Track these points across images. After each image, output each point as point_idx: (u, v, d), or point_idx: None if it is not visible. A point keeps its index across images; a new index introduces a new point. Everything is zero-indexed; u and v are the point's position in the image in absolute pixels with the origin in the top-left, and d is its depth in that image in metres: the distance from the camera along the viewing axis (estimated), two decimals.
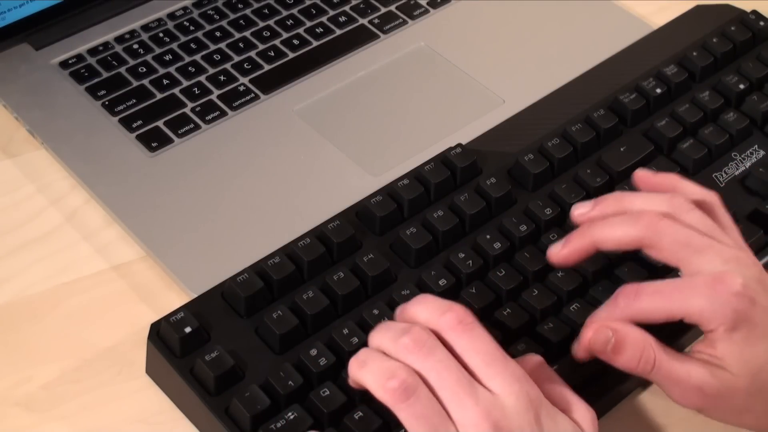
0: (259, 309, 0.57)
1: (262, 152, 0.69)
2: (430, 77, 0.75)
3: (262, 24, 0.78)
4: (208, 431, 0.54)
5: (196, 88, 0.72)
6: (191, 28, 0.77)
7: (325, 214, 0.62)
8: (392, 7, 0.80)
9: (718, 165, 0.67)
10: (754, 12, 0.76)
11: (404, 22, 0.79)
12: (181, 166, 0.67)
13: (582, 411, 0.49)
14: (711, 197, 0.56)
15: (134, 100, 0.71)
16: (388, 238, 0.61)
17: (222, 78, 0.73)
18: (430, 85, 0.74)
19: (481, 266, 0.59)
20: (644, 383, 0.57)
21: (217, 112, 0.71)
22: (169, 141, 0.69)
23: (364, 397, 0.52)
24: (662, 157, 0.66)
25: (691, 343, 0.57)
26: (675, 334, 0.54)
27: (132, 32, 0.76)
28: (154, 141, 0.69)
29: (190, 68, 0.74)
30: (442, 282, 0.57)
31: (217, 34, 0.77)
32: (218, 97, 0.72)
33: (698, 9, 0.78)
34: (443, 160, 0.64)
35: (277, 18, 0.78)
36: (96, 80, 0.73)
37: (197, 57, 0.75)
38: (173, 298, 0.61)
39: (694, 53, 0.72)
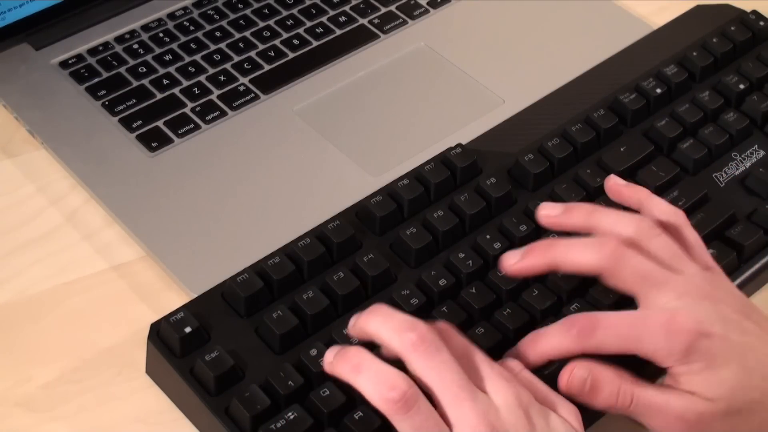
0: (259, 309, 0.57)
1: (262, 152, 0.69)
2: (430, 77, 0.75)
3: (262, 24, 0.78)
4: (208, 431, 0.54)
5: (196, 88, 0.72)
6: (191, 28, 0.77)
7: (325, 214, 0.62)
8: (392, 7, 0.80)
9: (718, 165, 0.67)
10: (754, 12, 0.76)
11: (404, 22, 0.79)
12: (181, 166, 0.67)
13: (567, 408, 0.50)
14: (678, 216, 0.56)
15: (134, 100, 0.71)
16: (388, 238, 0.61)
17: (222, 78, 0.73)
18: (430, 85, 0.74)
19: (481, 266, 0.59)
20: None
21: (217, 112, 0.71)
22: (169, 141, 0.69)
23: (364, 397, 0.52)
24: (662, 157, 0.66)
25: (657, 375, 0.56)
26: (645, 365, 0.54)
27: (132, 32, 0.76)
28: (154, 141, 0.69)
29: (190, 68, 0.74)
30: (442, 282, 0.57)
31: (217, 34, 0.77)
32: (218, 97, 0.72)
33: (698, 9, 0.78)
34: (443, 160, 0.64)
35: (277, 18, 0.78)
36: (96, 80, 0.73)
37: (197, 57, 0.75)
38: (173, 298, 0.61)
39: (694, 53, 0.72)
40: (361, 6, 0.80)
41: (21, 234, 0.64)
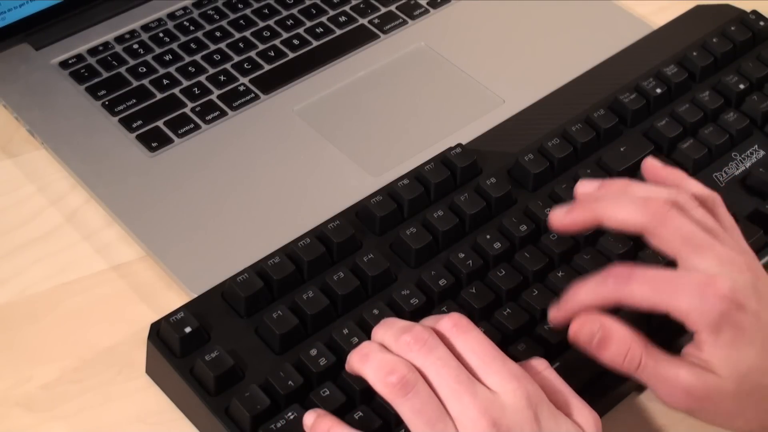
0: (259, 309, 0.57)
1: (262, 152, 0.69)
2: (430, 77, 0.75)
3: (262, 24, 0.78)
4: (208, 431, 0.54)
5: (196, 88, 0.72)
6: (191, 28, 0.77)
7: (325, 214, 0.62)
8: (392, 7, 0.80)
9: (718, 165, 0.67)
10: (754, 12, 0.76)
11: (404, 22, 0.79)
12: (181, 166, 0.67)
13: (585, 414, 0.49)
14: (714, 197, 0.55)
15: (134, 100, 0.71)
16: (388, 238, 0.61)
17: (222, 78, 0.73)
18: (430, 85, 0.74)
19: (481, 266, 0.59)
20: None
21: (217, 112, 0.71)
22: (169, 141, 0.69)
23: (364, 397, 0.52)
24: (662, 157, 0.66)
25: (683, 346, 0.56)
26: (669, 338, 0.54)
27: (132, 32, 0.76)
28: (154, 141, 0.69)
29: (190, 68, 0.74)
30: (442, 282, 0.57)
31: (217, 34, 0.77)
32: (218, 97, 0.72)
33: (698, 9, 0.78)
34: (443, 160, 0.64)
35: (277, 18, 0.78)
36: (96, 80, 0.73)
37: (197, 57, 0.75)
38: (173, 298, 0.61)
39: (694, 53, 0.72)
40: (361, 6, 0.80)
41: (21, 234, 0.64)
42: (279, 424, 0.51)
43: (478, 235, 0.60)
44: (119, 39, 0.76)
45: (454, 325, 0.49)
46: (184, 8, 0.78)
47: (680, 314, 0.50)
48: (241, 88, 0.73)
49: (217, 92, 0.72)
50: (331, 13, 0.79)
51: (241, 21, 0.78)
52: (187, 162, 0.68)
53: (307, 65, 0.75)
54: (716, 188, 0.64)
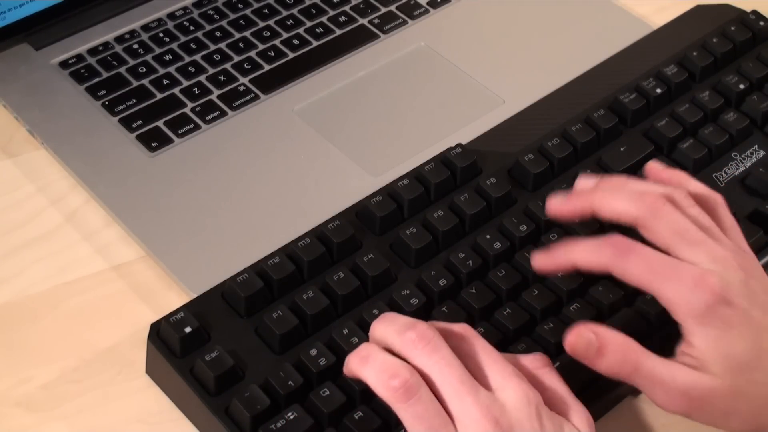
0: (259, 309, 0.57)
1: (262, 152, 0.69)
2: (430, 77, 0.75)
3: (262, 24, 0.78)
4: (208, 431, 0.54)
5: (196, 88, 0.72)
6: (191, 28, 0.77)
7: (325, 214, 0.62)
8: (392, 7, 0.80)
9: (718, 165, 0.67)
10: (754, 12, 0.76)
11: (404, 22, 0.79)
12: (181, 166, 0.67)
13: (579, 414, 0.49)
14: (716, 197, 0.56)
15: (134, 100, 0.71)
16: (388, 238, 0.61)
17: (222, 78, 0.73)
18: (430, 85, 0.74)
19: (481, 266, 0.59)
20: None
21: (217, 112, 0.71)
22: (169, 141, 0.69)
23: (364, 396, 0.52)
24: (662, 157, 0.66)
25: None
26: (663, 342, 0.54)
27: (132, 32, 0.76)
28: (154, 141, 0.69)
29: (190, 68, 0.74)
30: (442, 282, 0.57)
31: (217, 34, 0.77)
32: (218, 97, 0.72)
33: (698, 9, 0.78)
34: (443, 160, 0.64)
35: (277, 18, 0.78)
36: (96, 80, 0.73)
37: (197, 57, 0.75)
38: (173, 298, 0.61)
39: (694, 53, 0.72)
40: (361, 6, 0.80)
41: (21, 234, 0.64)
42: (279, 424, 0.51)
43: (478, 235, 0.60)
44: (119, 39, 0.76)
45: (463, 331, 0.49)
46: (184, 8, 0.78)
47: (667, 301, 0.51)
48: (241, 88, 0.73)
49: (217, 92, 0.72)
50: (331, 13, 0.79)
51: (241, 21, 0.78)
52: (187, 162, 0.68)
53: (307, 65, 0.75)
54: (716, 188, 0.64)
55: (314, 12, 0.79)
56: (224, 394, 0.53)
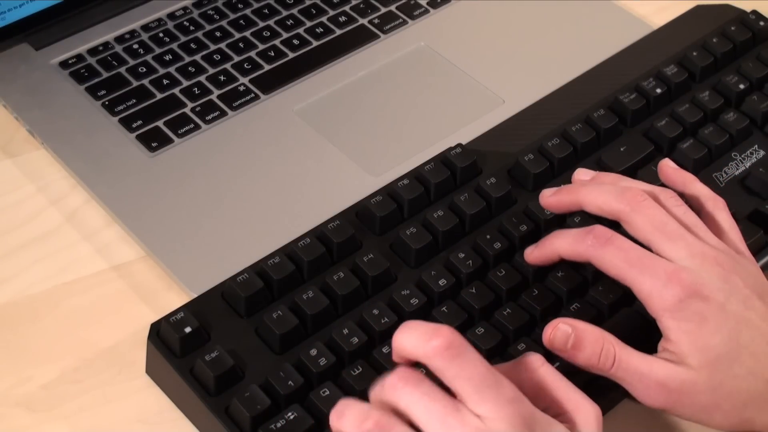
0: (259, 309, 0.57)
1: (262, 152, 0.69)
2: (430, 77, 0.75)
3: (262, 24, 0.78)
4: (208, 431, 0.54)
5: (196, 88, 0.72)
6: (191, 28, 0.77)
7: (325, 214, 0.62)
8: (392, 7, 0.80)
9: (718, 165, 0.67)
10: (754, 12, 0.76)
11: (404, 22, 0.79)
12: (181, 166, 0.67)
13: (585, 408, 0.49)
14: (716, 199, 0.57)
15: (134, 100, 0.71)
16: (388, 238, 0.61)
17: (222, 78, 0.73)
18: (430, 85, 0.74)
19: (481, 266, 0.59)
20: None
21: (217, 112, 0.71)
22: (169, 141, 0.69)
23: (364, 397, 0.52)
24: (662, 157, 0.66)
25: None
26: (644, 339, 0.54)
27: (132, 32, 0.76)
28: (154, 141, 0.69)
29: (190, 68, 0.74)
30: (442, 282, 0.57)
31: (217, 34, 0.77)
32: (218, 97, 0.72)
33: (698, 9, 0.78)
34: (443, 160, 0.64)
35: (277, 18, 0.78)
36: (96, 80, 0.73)
37: (197, 57, 0.75)
38: (173, 298, 0.61)
39: (694, 53, 0.72)
40: (361, 6, 0.80)
41: (21, 234, 0.64)
42: (279, 424, 0.51)
43: (478, 235, 0.60)
44: (119, 39, 0.76)
45: (446, 347, 0.46)
46: (184, 8, 0.78)
47: (642, 294, 0.52)
48: (241, 88, 0.73)
49: (217, 92, 0.72)
50: (331, 13, 0.79)
51: (241, 21, 0.78)
52: (187, 162, 0.68)
53: (307, 65, 0.75)
54: (716, 188, 0.64)
55: (314, 12, 0.79)
56: (224, 394, 0.53)
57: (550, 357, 0.52)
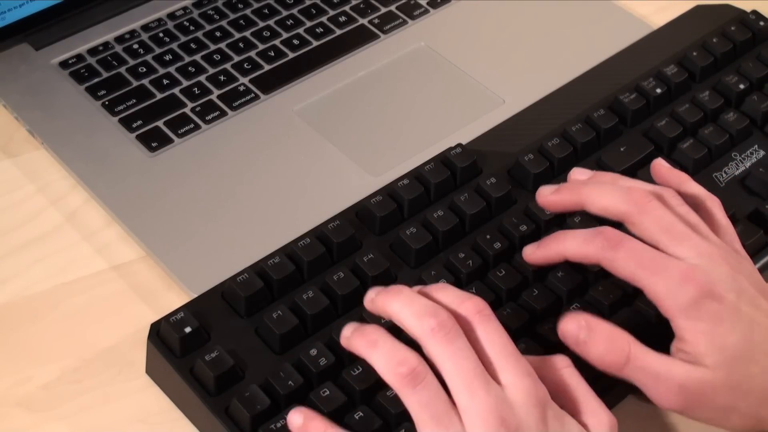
0: (259, 309, 0.57)
1: (262, 152, 0.69)
2: (430, 77, 0.75)
3: (262, 24, 0.78)
4: (208, 431, 0.54)
5: (196, 88, 0.72)
6: (191, 28, 0.77)
7: (325, 214, 0.62)
8: (392, 7, 0.80)
9: (718, 165, 0.67)
10: (754, 12, 0.76)
11: (404, 22, 0.79)
12: (181, 166, 0.67)
13: (600, 416, 0.49)
14: (712, 199, 0.57)
15: (134, 100, 0.71)
16: (388, 238, 0.61)
17: (222, 78, 0.73)
18: (430, 85, 0.74)
19: (481, 266, 0.59)
20: None
21: (217, 112, 0.71)
22: (169, 141, 0.69)
23: (364, 396, 0.52)
24: (662, 157, 0.66)
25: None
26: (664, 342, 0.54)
27: (132, 32, 0.76)
28: (154, 141, 0.69)
29: (190, 68, 0.74)
30: (442, 282, 0.57)
31: (217, 34, 0.77)
32: (218, 97, 0.72)
33: (698, 9, 0.78)
34: (443, 160, 0.64)
35: (277, 18, 0.78)
36: (96, 80, 0.73)
37: (197, 57, 0.75)
38: (173, 298, 0.61)
39: (694, 53, 0.72)
40: (361, 6, 0.80)
41: (21, 234, 0.64)
42: (279, 424, 0.51)
43: (478, 235, 0.60)
44: (119, 39, 0.76)
45: (478, 311, 0.49)
46: (184, 8, 0.78)
47: (655, 296, 0.51)
48: (241, 88, 0.73)
49: (217, 92, 0.72)
50: (331, 13, 0.79)
51: (241, 21, 0.78)
52: (187, 162, 0.68)
53: (307, 65, 0.75)
54: (716, 188, 0.65)
55: (314, 12, 0.79)
56: (224, 394, 0.53)
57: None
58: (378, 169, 0.67)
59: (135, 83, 0.73)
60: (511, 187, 0.63)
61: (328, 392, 0.52)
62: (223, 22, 0.77)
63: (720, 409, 0.51)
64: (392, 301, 0.49)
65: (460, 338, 0.47)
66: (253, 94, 0.72)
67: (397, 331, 0.49)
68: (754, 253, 0.62)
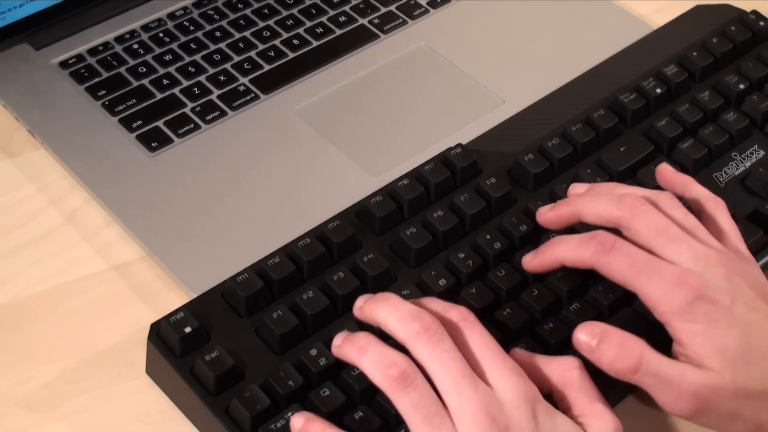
0: (259, 309, 0.57)
1: (262, 152, 0.69)
2: (430, 77, 0.75)
3: (262, 24, 0.78)
4: (208, 431, 0.54)
5: (196, 88, 0.72)
6: (191, 28, 0.77)
7: (325, 214, 0.62)
8: (392, 7, 0.80)
9: (718, 165, 0.67)
10: (754, 12, 0.76)
11: (404, 22, 0.79)
12: (181, 166, 0.67)
13: (605, 419, 0.49)
14: (716, 201, 0.57)
15: (134, 100, 0.71)
16: (388, 238, 0.61)
17: (222, 78, 0.73)
18: (430, 85, 0.74)
19: (481, 266, 0.59)
20: None
21: (217, 112, 0.71)
22: (169, 141, 0.69)
23: (364, 396, 0.52)
24: (662, 157, 0.66)
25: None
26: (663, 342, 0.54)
27: (132, 32, 0.76)
28: (154, 141, 0.69)
29: (190, 68, 0.74)
30: (442, 282, 0.57)
31: (217, 34, 0.77)
32: (218, 97, 0.72)
33: (698, 9, 0.78)
34: (443, 160, 0.64)
35: (277, 18, 0.78)
36: (96, 80, 0.73)
37: (197, 57, 0.75)
38: (173, 298, 0.61)
39: (694, 53, 0.72)
40: (361, 6, 0.80)
41: (21, 234, 0.64)
42: (279, 424, 0.51)
43: (478, 235, 0.60)
44: (119, 39, 0.76)
45: (463, 318, 0.49)
46: (184, 8, 0.78)
47: (649, 300, 0.51)
48: (241, 88, 0.73)
49: (217, 92, 0.72)
50: (331, 13, 0.79)
51: (241, 21, 0.78)
52: (187, 162, 0.68)
53: (307, 65, 0.75)
54: (716, 188, 0.64)
55: (314, 12, 0.79)
56: (224, 394, 0.53)
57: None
58: (378, 169, 0.67)
59: (135, 83, 0.73)
60: (511, 187, 0.63)
61: (328, 392, 0.52)
62: (223, 22, 0.77)
63: (727, 415, 0.51)
64: (379, 308, 0.50)
65: (445, 340, 0.48)
66: (253, 94, 0.72)
67: (386, 339, 0.49)
68: (754, 253, 0.61)
